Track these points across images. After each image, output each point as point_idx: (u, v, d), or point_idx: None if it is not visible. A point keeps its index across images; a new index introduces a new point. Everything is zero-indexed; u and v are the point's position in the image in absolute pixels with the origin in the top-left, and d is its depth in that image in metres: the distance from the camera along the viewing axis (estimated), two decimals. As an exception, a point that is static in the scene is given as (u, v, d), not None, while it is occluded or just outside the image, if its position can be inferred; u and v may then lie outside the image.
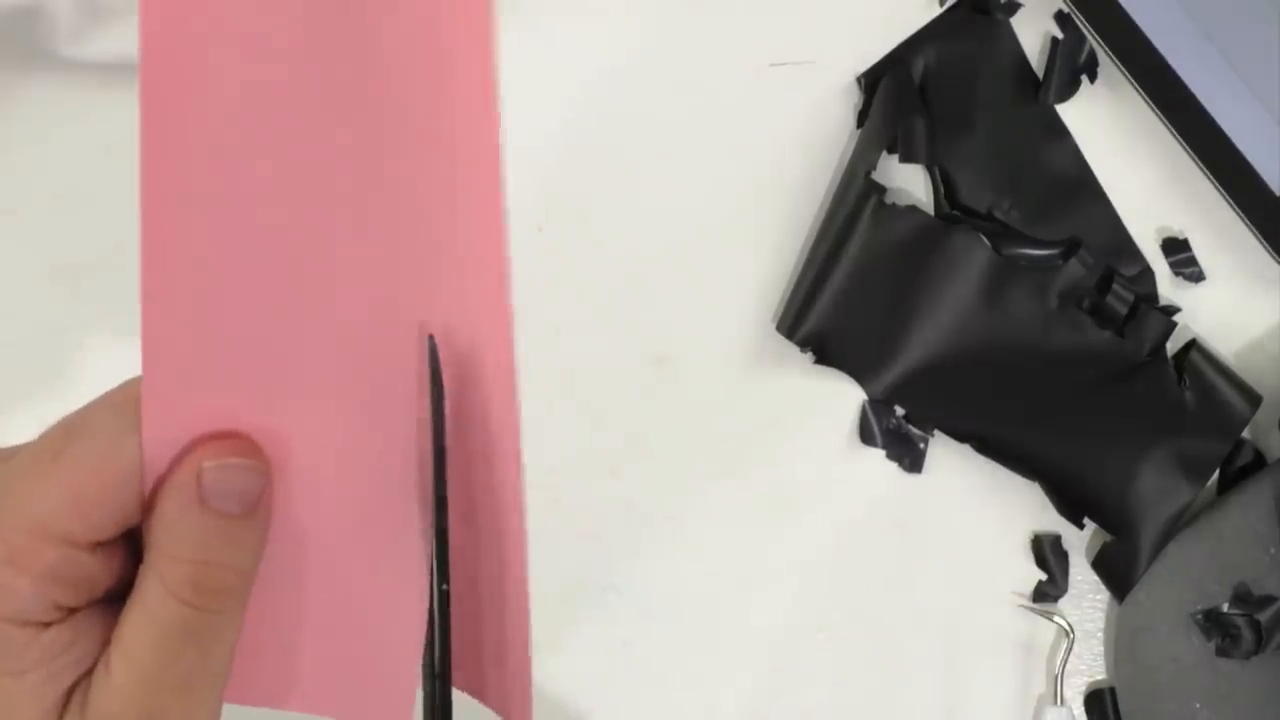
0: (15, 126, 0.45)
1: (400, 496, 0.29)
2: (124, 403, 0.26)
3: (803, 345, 0.45)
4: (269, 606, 0.27)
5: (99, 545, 0.25)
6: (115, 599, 0.26)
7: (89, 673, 0.25)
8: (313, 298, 0.27)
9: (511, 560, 0.31)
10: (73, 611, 0.25)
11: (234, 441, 0.26)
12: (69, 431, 0.26)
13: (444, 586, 0.28)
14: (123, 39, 0.42)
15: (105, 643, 0.25)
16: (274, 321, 0.26)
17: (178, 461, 0.25)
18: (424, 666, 0.29)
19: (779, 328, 0.46)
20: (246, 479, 0.26)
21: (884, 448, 0.46)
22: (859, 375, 0.45)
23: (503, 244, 0.30)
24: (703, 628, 0.45)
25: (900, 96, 0.46)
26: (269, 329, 0.26)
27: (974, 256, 0.45)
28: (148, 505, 0.26)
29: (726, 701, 0.45)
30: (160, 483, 0.25)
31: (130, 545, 0.26)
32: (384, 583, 0.29)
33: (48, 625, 0.25)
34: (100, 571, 0.26)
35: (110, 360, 0.45)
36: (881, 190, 0.45)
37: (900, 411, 0.46)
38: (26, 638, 0.25)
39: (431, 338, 0.29)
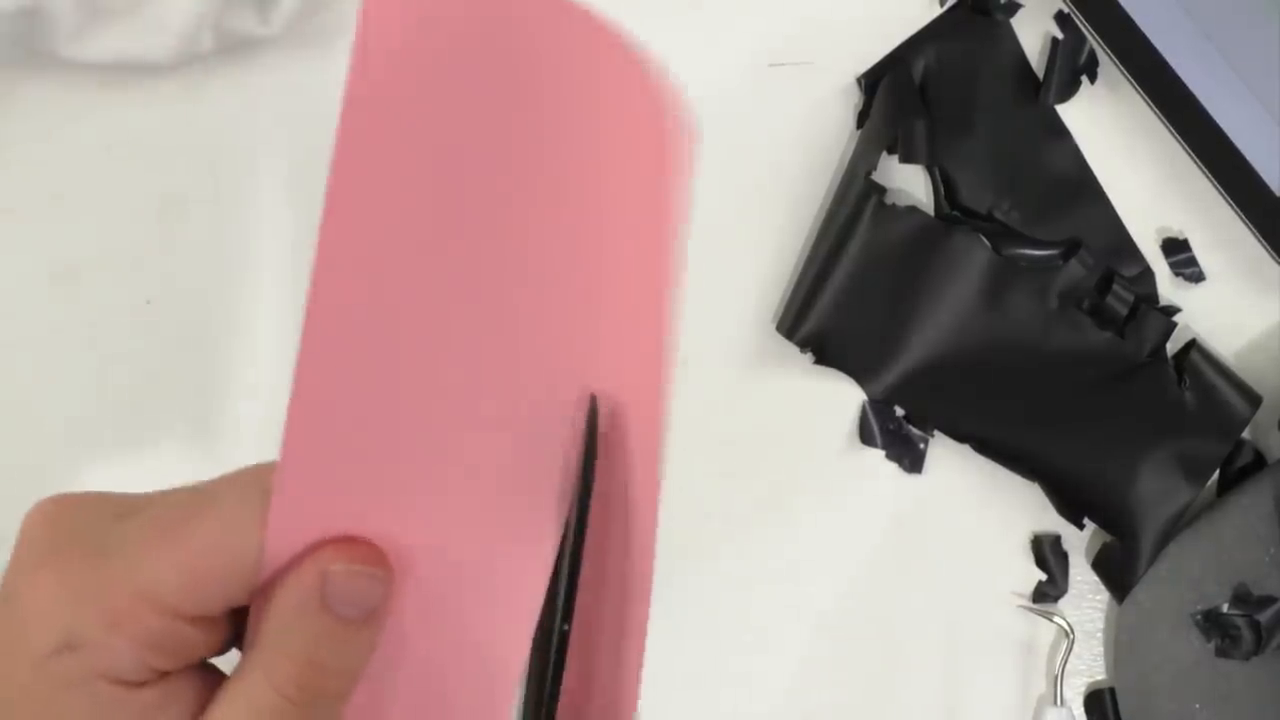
0: (15, 126, 0.45)
1: (523, 600, 0.28)
2: (252, 485, 0.26)
3: (803, 345, 0.45)
4: (363, 706, 0.27)
5: (202, 620, 0.26)
6: (210, 666, 0.26)
7: None
8: (459, 404, 0.27)
9: (632, 634, 0.31)
10: (166, 675, 0.25)
11: (362, 547, 0.26)
12: (193, 503, 0.26)
13: (565, 627, 0.28)
14: (123, 39, 0.42)
15: (196, 709, 0.25)
16: (417, 427, 0.26)
17: (302, 558, 0.25)
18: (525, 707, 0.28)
19: (779, 328, 0.46)
20: (370, 587, 0.26)
21: (884, 448, 0.45)
22: (859, 375, 0.45)
23: (667, 304, 0.28)
24: (702, 628, 0.45)
25: (900, 97, 0.46)
26: (411, 435, 0.26)
27: (974, 257, 0.45)
28: (262, 594, 0.25)
29: (726, 701, 0.45)
30: (280, 576, 0.25)
31: (232, 616, 0.26)
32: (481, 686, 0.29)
33: (141, 685, 0.25)
34: (199, 642, 0.26)
35: (110, 360, 0.45)
36: (882, 190, 0.45)
37: (900, 411, 0.46)
38: (118, 695, 0.25)
39: (594, 399, 0.27)
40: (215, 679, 0.26)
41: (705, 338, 0.46)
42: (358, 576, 0.26)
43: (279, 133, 0.45)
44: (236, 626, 0.26)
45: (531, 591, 0.28)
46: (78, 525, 0.26)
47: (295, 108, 0.45)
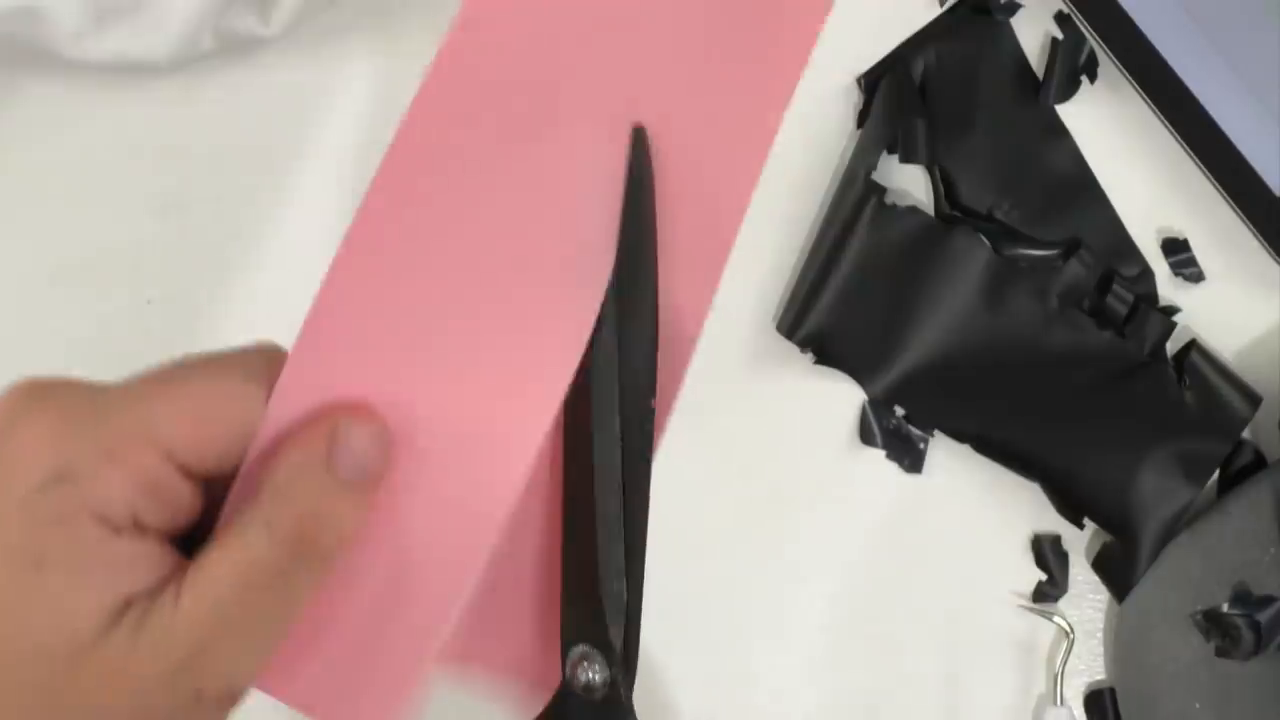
0: (15, 126, 0.45)
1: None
2: (256, 356, 0.27)
3: (803, 345, 0.45)
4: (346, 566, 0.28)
5: (191, 476, 0.26)
6: (180, 542, 0.27)
7: (147, 596, 0.25)
8: (468, 274, 0.29)
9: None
10: (144, 532, 0.26)
11: (368, 414, 0.27)
12: (197, 364, 0.27)
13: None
14: (123, 39, 0.42)
15: (166, 577, 0.26)
16: (429, 302, 0.28)
17: (309, 421, 0.27)
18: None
19: (779, 328, 0.46)
20: (373, 452, 0.27)
21: (884, 448, 0.45)
22: (859, 375, 0.45)
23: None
24: (702, 628, 0.45)
25: (900, 97, 0.46)
26: (422, 310, 0.28)
27: (974, 257, 0.45)
28: (262, 455, 0.27)
29: (725, 700, 0.45)
30: (285, 437, 0.27)
31: (209, 497, 0.27)
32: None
33: (120, 532, 0.25)
34: (184, 502, 0.26)
35: (110, 360, 0.45)
36: (882, 191, 0.45)
37: (900, 411, 0.46)
38: (100, 536, 0.25)
39: (639, 130, 0.29)
40: (182, 562, 0.26)
41: (706, 337, 0.46)
42: (363, 441, 0.27)
43: (279, 133, 0.45)
44: (212, 509, 0.27)
45: (529, 448, 0.29)
46: (70, 381, 0.27)
47: (295, 108, 0.45)
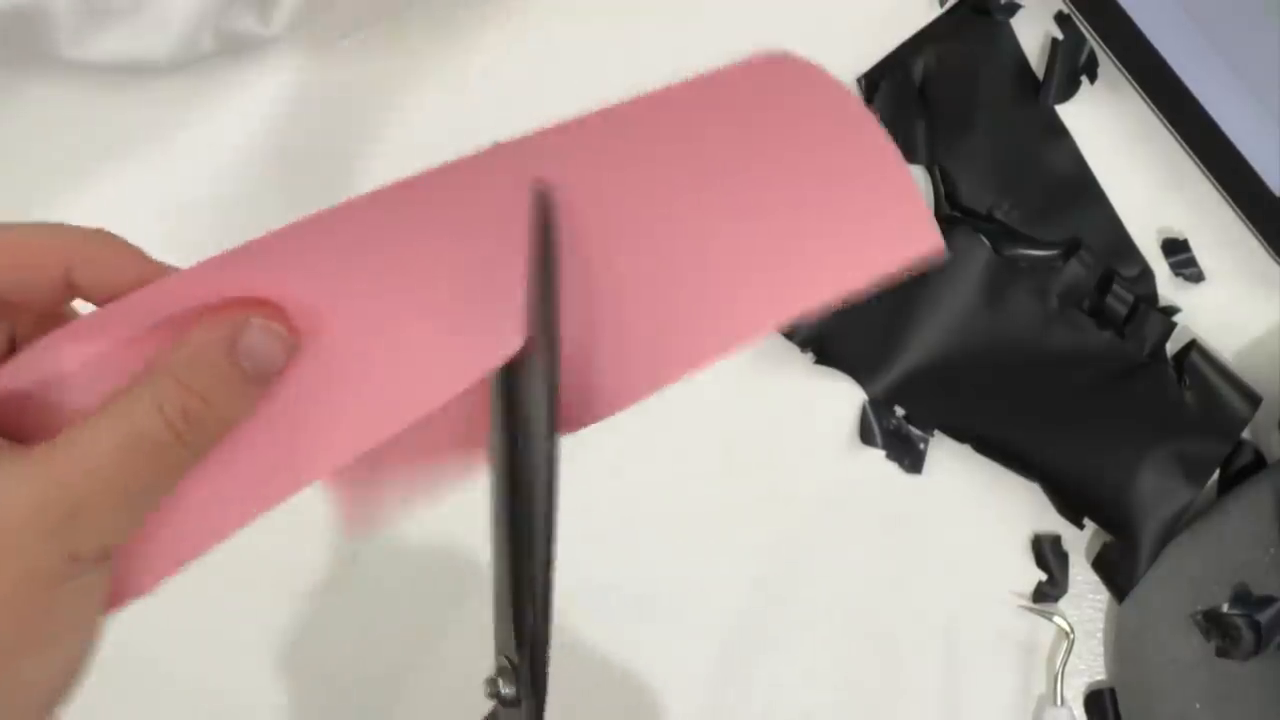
0: (15, 126, 0.45)
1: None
2: (67, 228, 0.28)
3: (803, 345, 0.45)
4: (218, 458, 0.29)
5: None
6: None
7: None
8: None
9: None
10: None
11: (279, 314, 0.28)
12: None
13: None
14: (123, 39, 0.42)
15: None
16: (370, 253, 0.30)
17: (224, 306, 0.28)
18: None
19: (779, 327, 0.46)
20: (276, 350, 0.28)
21: (884, 448, 0.45)
22: (859, 375, 0.45)
23: None
24: (702, 627, 0.45)
25: (900, 97, 0.46)
26: (363, 256, 0.30)
27: (974, 257, 0.45)
28: (163, 330, 0.27)
29: (725, 700, 0.45)
30: (193, 316, 0.27)
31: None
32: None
33: None
34: None
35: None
36: (882, 190, 0.45)
37: (900, 411, 0.46)
38: None
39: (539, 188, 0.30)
40: None
41: (705, 338, 0.46)
42: (269, 337, 0.28)
43: (279, 133, 0.45)
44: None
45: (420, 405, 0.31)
46: None
47: (295, 108, 0.45)
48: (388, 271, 0.30)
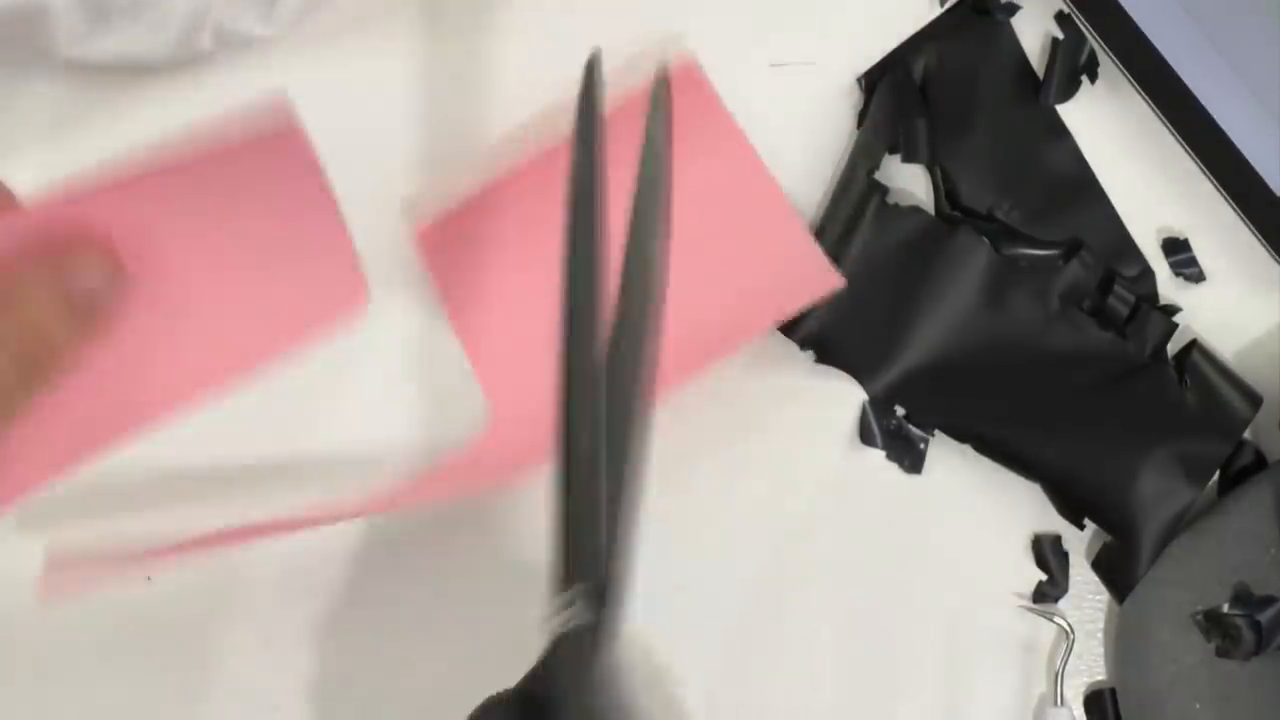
0: (15, 127, 0.45)
1: None
2: None
3: (803, 345, 0.45)
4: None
5: None
6: None
7: None
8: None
9: None
10: None
11: (110, 251, 0.29)
12: None
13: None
14: (123, 39, 0.42)
15: None
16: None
17: (59, 241, 0.28)
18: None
19: (779, 327, 0.46)
20: (106, 288, 0.29)
21: (884, 448, 0.45)
22: (859, 375, 0.45)
23: None
24: (702, 627, 0.45)
25: (900, 97, 0.46)
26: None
27: (975, 256, 0.45)
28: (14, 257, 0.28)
29: (724, 700, 0.45)
30: (31, 248, 0.28)
31: None
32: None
33: None
34: None
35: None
36: (884, 190, 0.45)
37: (900, 411, 0.46)
38: None
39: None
40: None
41: (705, 338, 0.46)
42: (95, 273, 0.28)
43: (279, 133, 0.45)
44: None
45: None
46: None
47: (295, 108, 0.45)
48: (221, 225, 0.32)
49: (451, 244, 0.42)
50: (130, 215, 0.30)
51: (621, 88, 0.43)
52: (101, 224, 0.29)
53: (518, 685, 0.31)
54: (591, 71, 0.31)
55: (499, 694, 0.31)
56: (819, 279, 0.43)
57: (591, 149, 0.31)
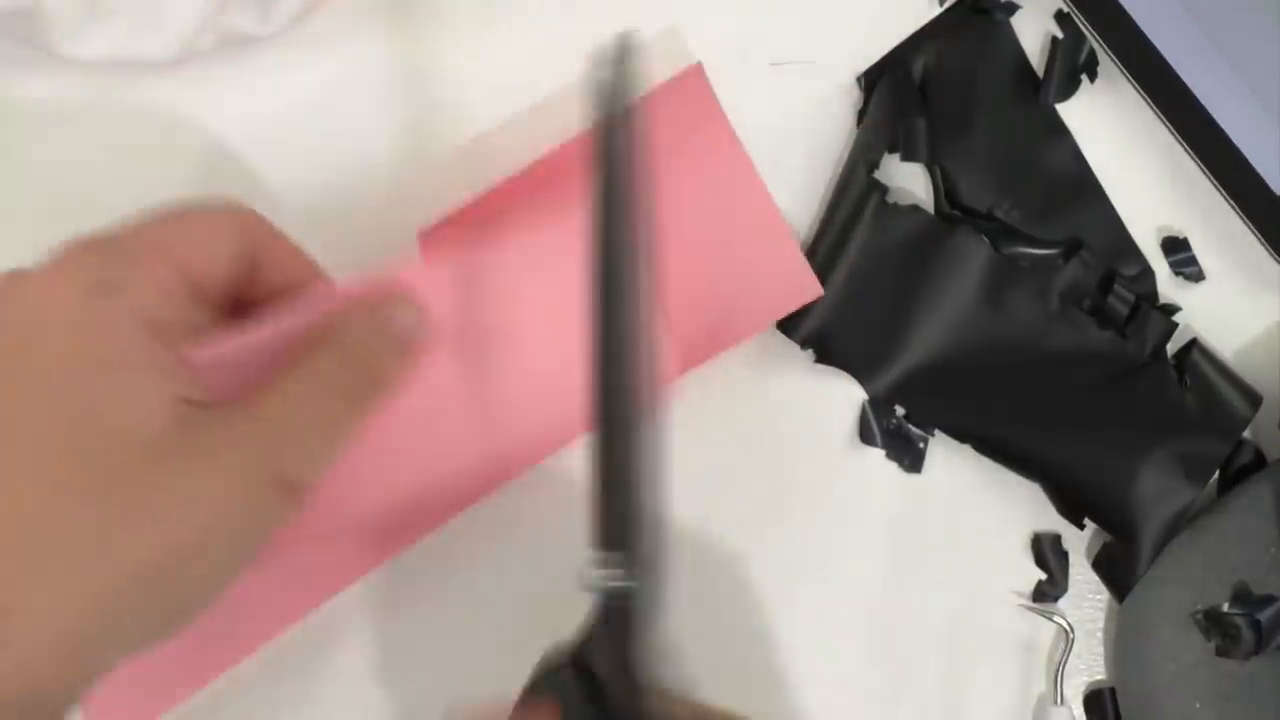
0: (15, 126, 0.45)
1: None
2: (224, 212, 0.34)
3: (803, 344, 0.45)
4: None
5: (201, 298, 0.32)
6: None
7: (200, 402, 0.30)
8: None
9: None
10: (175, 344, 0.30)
11: (415, 295, 0.35)
12: (188, 206, 0.33)
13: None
14: (123, 39, 0.42)
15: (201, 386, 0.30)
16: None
17: (374, 291, 0.34)
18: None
19: (779, 327, 0.46)
20: (417, 325, 0.34)
21: (884, 448, 0.45)
22: (859, 374, 0.45)
23: None
24: (700, 628, 0.45)
25: (900, 96, 0.46)
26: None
27: (975, 256, 0.45)
28: (326, 315, 0.33)
29: (725, 700, 0.45)
30: (353, 298, 0.34)
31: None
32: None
33: (163, 338, 0.30)
34: (198, 323, 0.32)
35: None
36: (883, 190, 0.45)
37: (900, 411, 0.46)
38: (148, 341, 0.29)
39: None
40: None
41: (705, 337, 0.46)
42: (411, 312, 0.34)
43: (279, 133, 0.45)
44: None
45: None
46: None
47: (295, 108, 0.45)
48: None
49: (452, 249, 0.43)
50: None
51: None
52: (409, 284, 0.35)
53: (570, 647, 0.32)
54: (619, 61, 0.32)
55: (555, 655, 0.32)
56: (800, 288, 0.43)
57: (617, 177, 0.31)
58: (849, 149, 0.46)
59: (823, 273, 0.44)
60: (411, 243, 0.43)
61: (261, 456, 0.29)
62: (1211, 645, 0.43)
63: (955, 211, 0.46)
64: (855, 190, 0.45)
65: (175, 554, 0.28)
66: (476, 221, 0.43)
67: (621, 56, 0.32)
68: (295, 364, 0.31)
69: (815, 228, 0.46)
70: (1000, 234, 0.46)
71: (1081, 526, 0.45)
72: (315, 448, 0.31)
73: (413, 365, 0.34)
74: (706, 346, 0.43)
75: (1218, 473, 0.45)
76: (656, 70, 0.43)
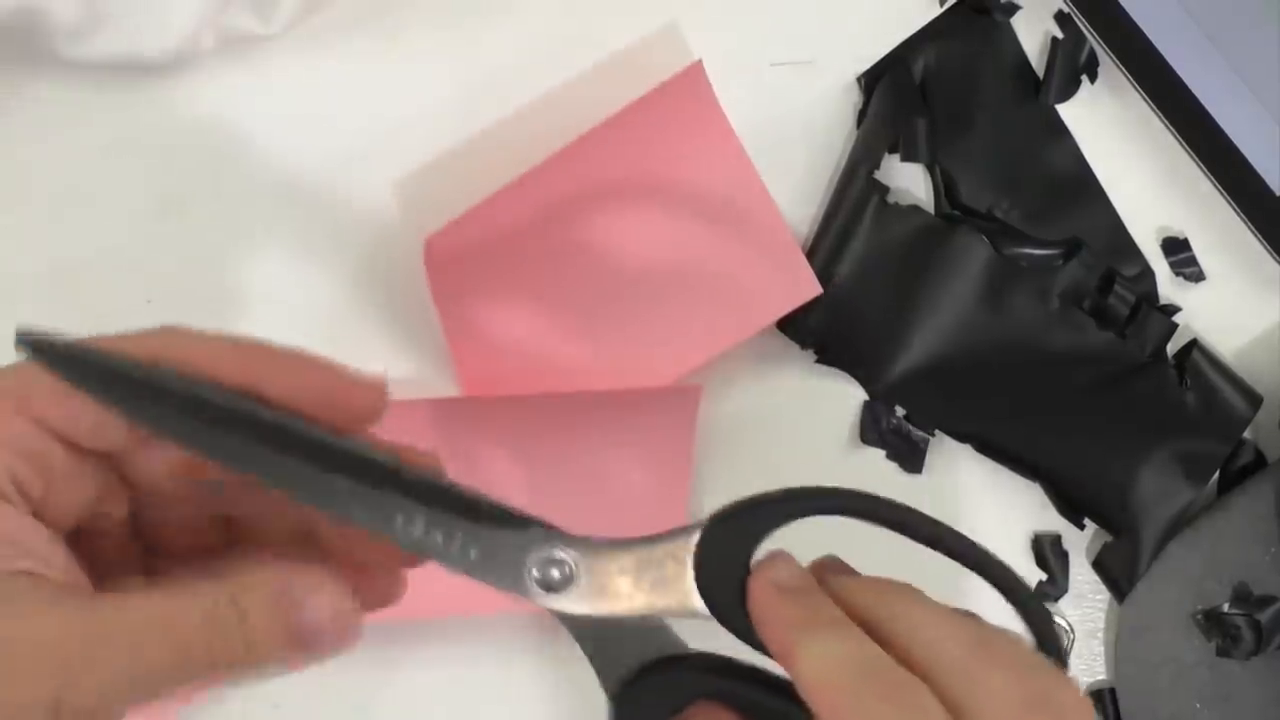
0: (15, 126, 0.45)
1: None
2: (147, 339, 0.29)
3: (804, 344, 0.45)
4: None
5: (75, 449, 0.26)
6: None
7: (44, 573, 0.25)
8: None
9: None
10: (31, 505, 0.25)
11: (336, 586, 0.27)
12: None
13: None
14: (123, 39, 0.42)
15: (58, 552, 0.25)
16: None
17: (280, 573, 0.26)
18: None
19: (779, 326, 0.46)
20: (329, 632, 0.26)
21: (884, 448, 0.45)
22: (860, 374, 0.45)
23: None
24: (699, 628, 0.45)
25: (900, 96, 0.46)
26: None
27: (975, 256, 0.45)
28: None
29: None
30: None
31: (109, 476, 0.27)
32: None
33: (7, 500, 0.25)
34: (71, 477, 0.26)
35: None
36: (884, 190, 0.45)
37: (900, 411, 0.46)
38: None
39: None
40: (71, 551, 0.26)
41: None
42: (329, 615, 0.26)
43: (279, 133, 0.45)
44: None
45: None
46: None
47: (295, 108, 0.45)
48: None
49: (456, 257, 0.42)
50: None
51: (623, 88, 0.43)
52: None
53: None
54: None
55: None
56: (800, 288, 0.43)
57: None
58: (849, 149, 0.46)
59: (823, 273, 0.44)
60: (415, 246, 0.43)
61: (60, 664, 0.23)
62: (1211, 645, 0.43)
63: (955, 212, 0.46)
64: (855, 190, 0.45)
65: None
66: (478, 231, 0.42)
67: None
68: (174, 585, 0.25)
69: (815, 228, 0.46)
70: (1000, 234, 0.46)
71: (1081, 526, 0.45)
72: (120, 691, 0.24)
73: (315, 660, 0.26)
74: (707, 346, 0.43)
75: (1218, 473, 0.45)
76: (656, 70, 0.43)
